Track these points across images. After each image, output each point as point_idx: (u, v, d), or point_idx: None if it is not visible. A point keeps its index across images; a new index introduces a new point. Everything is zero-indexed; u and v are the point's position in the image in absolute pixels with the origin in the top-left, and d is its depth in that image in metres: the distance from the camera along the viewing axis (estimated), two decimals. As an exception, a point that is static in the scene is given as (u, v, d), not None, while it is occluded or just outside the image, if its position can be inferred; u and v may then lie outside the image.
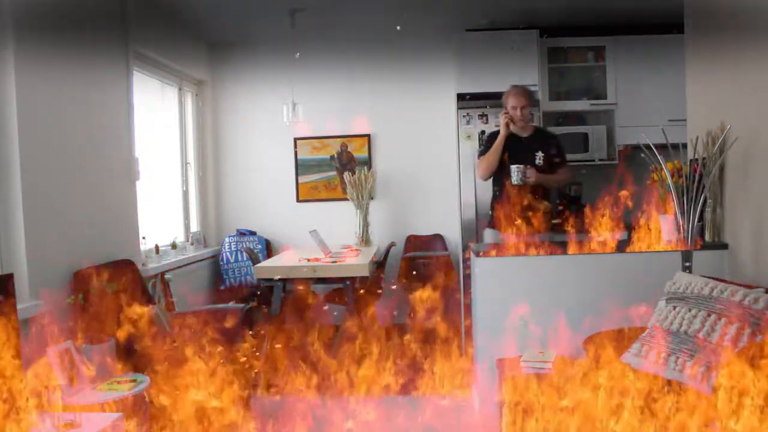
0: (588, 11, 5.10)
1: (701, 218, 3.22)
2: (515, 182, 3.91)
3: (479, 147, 4.87)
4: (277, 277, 4.43)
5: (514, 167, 3.94)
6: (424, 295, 5.33)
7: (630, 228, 3.46)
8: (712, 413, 2.16)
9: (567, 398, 2.48)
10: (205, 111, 5.83)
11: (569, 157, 5.24)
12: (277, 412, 3.50)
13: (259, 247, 5.68)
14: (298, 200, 5.92)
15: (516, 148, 4.06)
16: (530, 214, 3.73)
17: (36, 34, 3.20)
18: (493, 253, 3.34)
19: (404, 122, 5.83)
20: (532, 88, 5.24)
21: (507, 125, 4.02)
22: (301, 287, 4.61)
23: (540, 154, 4.04)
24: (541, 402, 2.55)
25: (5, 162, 3.01)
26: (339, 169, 5.87)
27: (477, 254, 3.38)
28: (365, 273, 4.40)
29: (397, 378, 4.01)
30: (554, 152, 4.08)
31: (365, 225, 5.60)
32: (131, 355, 3.11)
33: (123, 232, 4.02)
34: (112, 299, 3.32)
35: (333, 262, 4.52)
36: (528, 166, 3.94)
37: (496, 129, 4.19)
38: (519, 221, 3.77)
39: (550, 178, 4.05)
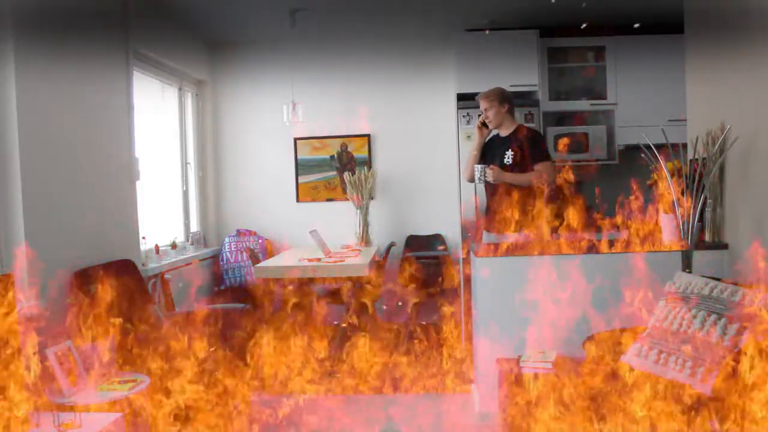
0: (588, 11, 5.10)
1: (701, 218, 3.22)
2: (477, 181, 4.02)
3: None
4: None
5: (475, 166, 3.98)
6: (423, 295, 5.34)
7: (629, 228, 3.47)
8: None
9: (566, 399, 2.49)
10: (205, 111, 5.83)
11: (569, 157, 5.27)
12: (280, 410, 3.50)
13: (259, 247, 5.67)
14: (298, 200, 5.92)
15: (494, 148, 4.09)
16: (509, 213, 3.72)
17: (36, 33, 3.20)
18: (493, 253, 3.34)
19: (404, 122, 5.83)
20: (532, 88, 5.26)
21: (479, 128, 4.11)
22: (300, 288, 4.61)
23: (510, 153, 3.99)
24: (541, 402, 2.55)
25: (5, 162, 3.01)
26: (339, 169, 5.87)
27: (477, 254, 3.38)
28: (365, 273, 4.40)
29: (396, 377, 4.01)
30: (529, 150, 3.94)
31: (365, 225, 5.60)
32: (131, 355, 3.11)
33: (123, 232, 4.02)
34: (112, 299, 3.32)
35: (333, 262, 4.52)
36: (489, 165, 3.94)
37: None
38: (497, 221, 3.79)
39: (519, 177, 3.90)
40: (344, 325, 4.66)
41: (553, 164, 4.08)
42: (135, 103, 4.21)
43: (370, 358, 4.12)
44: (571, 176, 3.62)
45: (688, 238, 3.14)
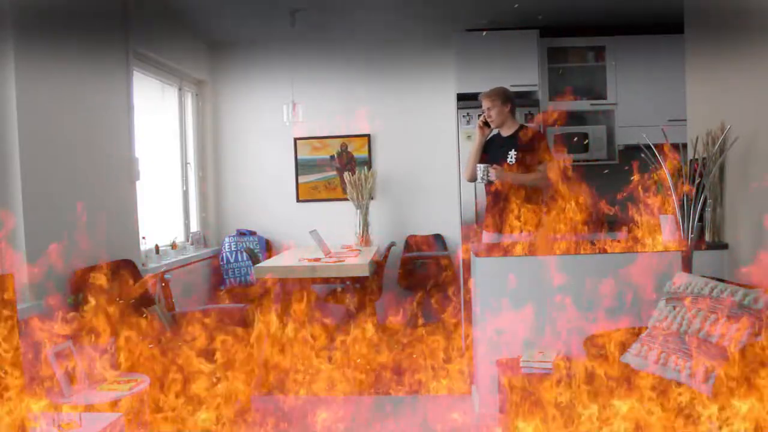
0: (588, 11, 5.10)
1: (701, 218, 3.22)
2: (479, 181, 3.98)
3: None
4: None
5: (478, 166, 3.97)
6: (423, 295, 5.34)
7: (630, 228, 3.47)
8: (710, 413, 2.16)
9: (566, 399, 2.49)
10: (205, 111, 5.83)
11: (569, 157, 5.26)
12: (281, 411, 3.50)
13: (259, 247, 5.68)
14: (298, 200, 5.92)
15: (496, 147, 4.08)
16: (509, 213, 3.71)
17: (36, 33, 3.20)
18: (493, 253, 3.34)
19: (404, 122, 5.82)
20: (532, 88, 5.26)
21: (480, 127, 4.08)
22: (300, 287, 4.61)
23: (513, 153, 3.99)
24: (541, 402, 2.55)
25: (5, 162, 3.01)
26: (339, 169, 5.87)
27: (477, 254, 3.38)
28: (365, 273, 4.41)
29: (396, 378, 4.01)
30: (532, 150, 3.93)
31: (365, 225, 5.60)
32: (131, 355, 3.11)
33: (123, 232, 4.02)
34: (112, 299, 3.32)
35: (333, 262, 4.52)
36: (492, 165, 3.92)
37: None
38: (499, 221, 3.78)
39: (521, 177, 3.89)
40: (343, 325, 4.66)
41: (556, 164, 4.08)
42: (135, 103, 4.21)
43: (370, 359, 4.12)
44: (572, 177, 3.62)
45: (688, 238, 3.14)
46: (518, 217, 3.66)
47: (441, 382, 3.90)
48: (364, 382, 3.92)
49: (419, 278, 5.44)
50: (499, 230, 3.87)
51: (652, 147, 3.24)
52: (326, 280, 4.71)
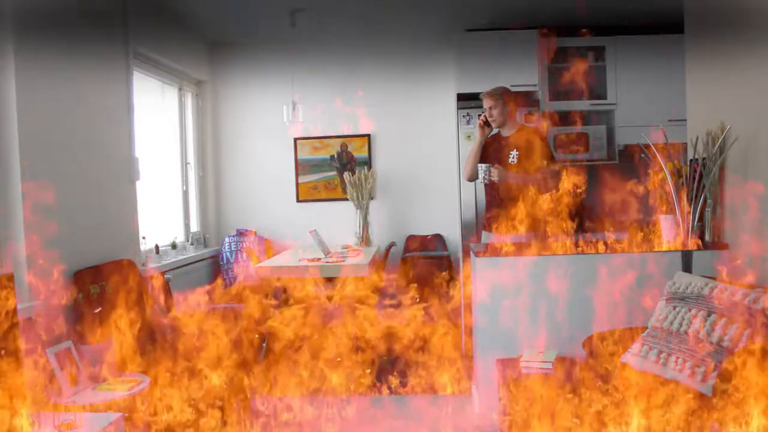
0: (588, 11, 5.10)
1: (701, 218, 3.22)
2: (480, 181, 3.97)
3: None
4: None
5: (479, 165, 3.96)
6: (423, 295, 5.34)
7: (630, 228, 3.47)
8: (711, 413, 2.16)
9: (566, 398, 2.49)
10: (205, 111, 5.83)
11: (569, 157, 5.28)
12: (279, 410, 3.50)
13: (259, 247, 5.68)
14: (298, 200, 5.92)
15: (498, 148, 4.06)
16: (509, 213, 3.70)
17: (36, 33, 3.20)
18: (493, 253, 3.34)
19: (404, 122, 5.83)
20: (532, 88, 5.26)
21: (480, 126, 4.07)
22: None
23: (515, 153, 3.98)
24: (541, 402, 2.55)
25: (5, 162, 3.01)
26: (339, 169, 5.87)
27: (477, 254, 3.38)
28: (365, 273, 4.41)
29: (397, 378, 4.01)
30: (533, 150, 3.91)
31: (365, 225, 5.61)
32: (131, 355, 3.11)
33: (123, 232, 4.02)
34: (112, 299, 3.32)
35: (333, 261, 4.52)
36: (493, 165, 3.91)
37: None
38: (499, 221, 3.78)
39: (522, 177, 3.87)
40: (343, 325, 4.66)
41: (556, 164, 4.07)
42: (135, 103, 4.21)
43: (369, 358, 4.13)
44: (574, 177, 3.62)
45: (688, 238, 3.14)
46: (518, 217, 3.65)
47: (441, 383, 3.90)
48: (363, 382, 3.92)
49: (419, 278, 5.43)
50: (499, 230, 3.86)
51: (653, 147, 3.24)
52: (325, 281, 4.70)
